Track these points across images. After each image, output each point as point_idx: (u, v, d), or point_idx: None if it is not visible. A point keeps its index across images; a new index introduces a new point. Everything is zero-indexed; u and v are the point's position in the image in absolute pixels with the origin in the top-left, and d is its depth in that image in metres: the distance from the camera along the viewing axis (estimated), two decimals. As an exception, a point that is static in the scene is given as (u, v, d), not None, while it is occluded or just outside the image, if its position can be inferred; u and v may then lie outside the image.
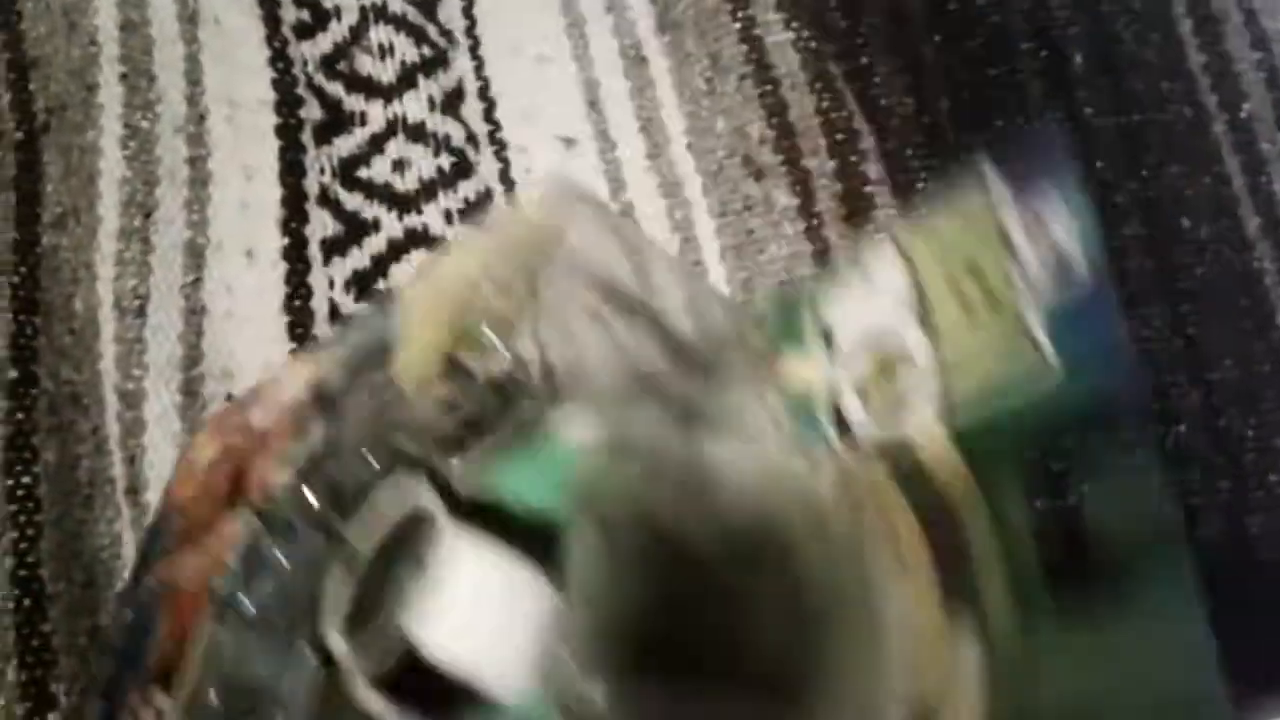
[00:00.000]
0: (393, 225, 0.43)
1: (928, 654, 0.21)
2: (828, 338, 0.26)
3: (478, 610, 0.21)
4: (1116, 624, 0.20)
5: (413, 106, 0.44)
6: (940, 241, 0.25)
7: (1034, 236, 0.23)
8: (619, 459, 0.23)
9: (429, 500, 0.22)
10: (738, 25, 0.45)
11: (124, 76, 0.46)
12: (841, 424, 0.25)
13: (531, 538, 0.21)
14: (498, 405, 0.27)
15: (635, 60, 0.45)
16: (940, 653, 0.21)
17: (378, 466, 0.26)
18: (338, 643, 0.22)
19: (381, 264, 0.42)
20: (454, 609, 0.21)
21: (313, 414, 0.31)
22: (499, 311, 0.28)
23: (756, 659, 0.21)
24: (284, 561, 0.27)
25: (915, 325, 0.25)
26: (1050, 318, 0.23)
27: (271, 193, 0.43)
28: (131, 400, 0.42)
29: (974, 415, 0.23)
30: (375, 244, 0.43)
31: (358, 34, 0.44)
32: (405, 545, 0.23)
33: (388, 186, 0.43)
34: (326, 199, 0.43)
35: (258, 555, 0.29)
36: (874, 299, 0.26)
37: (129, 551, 0.41)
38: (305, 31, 0.45)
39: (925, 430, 0.23)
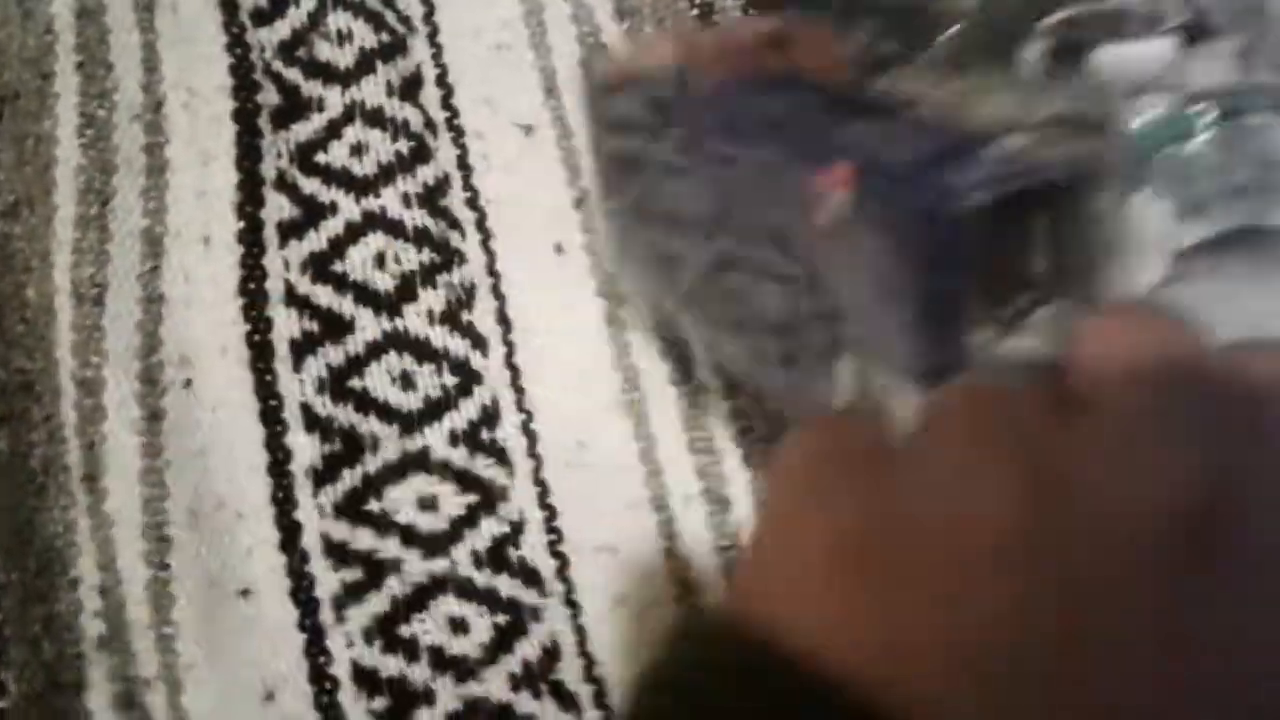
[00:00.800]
0: (350, 208, 0.43)
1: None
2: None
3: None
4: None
5: (371, 92, 0.44)
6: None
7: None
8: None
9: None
10: (695, 12, 0.45)
11: (80, 65, 0.46)
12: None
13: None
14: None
15: (594, 48, 0.46)
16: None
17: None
18: None
19: (339, 246, 0.42)
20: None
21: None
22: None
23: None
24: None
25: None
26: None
27: (228, 178, 0.43)
28: (90, 388, 0.42)
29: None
30: (333, 226, 0.43)
31: (316, 20, 0.45)
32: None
33: (345, 170, 0.43)
34: (284, 183, 0.43)
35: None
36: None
37: (83, 539, 0.41)
38: (263, 18, 0.45)
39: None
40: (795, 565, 0.19)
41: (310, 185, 0.43)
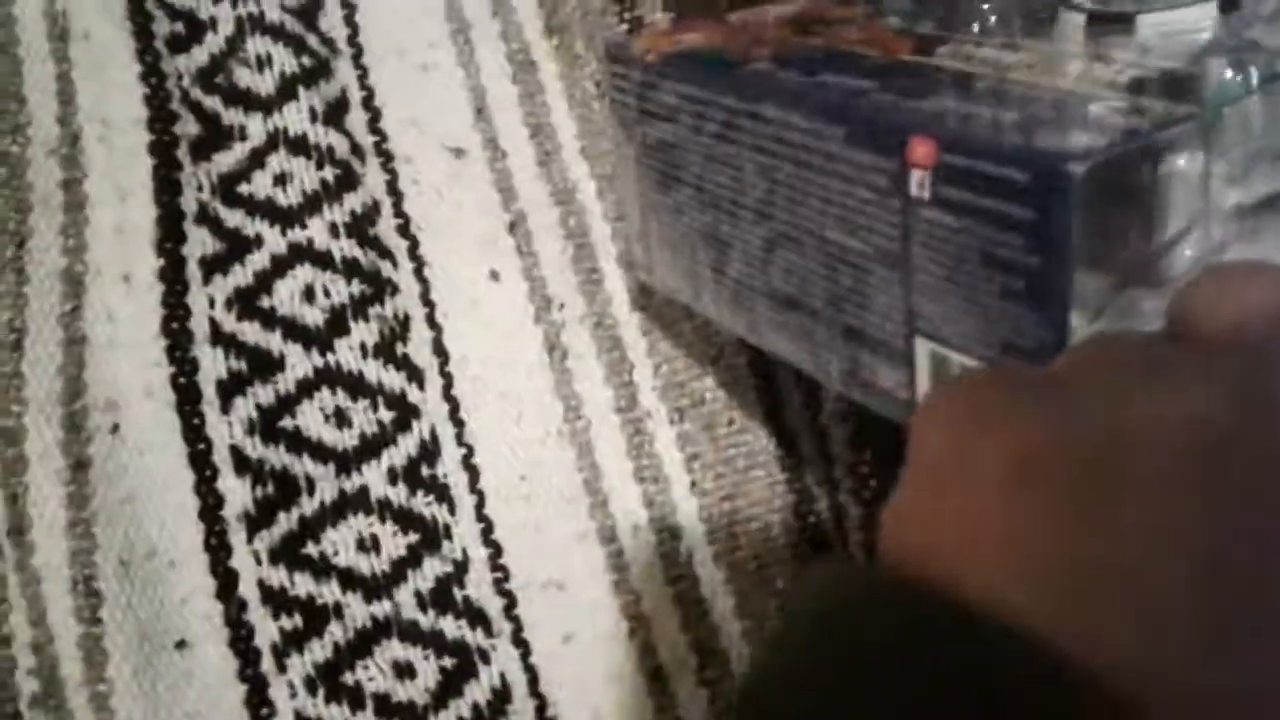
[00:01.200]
0: (276, 241, 0.41)
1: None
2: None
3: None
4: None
5: (294, 118, 0.42)
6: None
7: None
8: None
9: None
10: (625, 26, 0.44)
11: (-8, 100, 0.44)
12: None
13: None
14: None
15: (524, 65, 0.44)
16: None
17: None
18: None
19: (265, 280, 0.41)
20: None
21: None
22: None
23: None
24: None
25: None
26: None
27: (146, 213, 0.41)
28: (11, 437, 0.40)
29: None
30: (258, 260, 0.41)
31: (234, 45, 0.43)
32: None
33: (269, 201, 0.42)
34: (205, 217, 0.41)
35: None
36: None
37: (13, 595, 0.39)
38: (179, 45, 0.43)
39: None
40: (968, 491, 0.18)
41: (233, 218, 0.41)
